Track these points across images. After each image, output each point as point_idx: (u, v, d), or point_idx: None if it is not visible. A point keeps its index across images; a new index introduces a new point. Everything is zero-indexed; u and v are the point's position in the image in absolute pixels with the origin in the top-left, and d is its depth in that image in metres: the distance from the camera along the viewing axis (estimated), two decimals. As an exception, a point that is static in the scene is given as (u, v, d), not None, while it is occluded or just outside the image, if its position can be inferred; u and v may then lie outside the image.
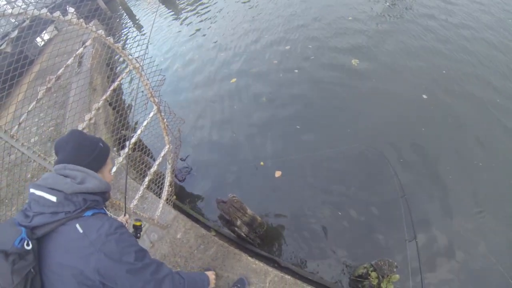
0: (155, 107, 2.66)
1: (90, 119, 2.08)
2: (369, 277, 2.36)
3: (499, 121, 3.41)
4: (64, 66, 1.95)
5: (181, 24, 8.30)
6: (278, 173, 3.46)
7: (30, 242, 0.81)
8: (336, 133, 3.69)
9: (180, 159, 4.05)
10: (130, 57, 2.48)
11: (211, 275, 1.58)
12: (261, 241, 2.90)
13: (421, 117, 3.58)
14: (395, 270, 2.29)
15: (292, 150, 3.61)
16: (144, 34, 8.79)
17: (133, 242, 0.97)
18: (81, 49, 2.07)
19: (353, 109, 3.89)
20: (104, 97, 2.35)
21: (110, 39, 2.20)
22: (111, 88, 2.40)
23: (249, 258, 2.30)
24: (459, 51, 4.45)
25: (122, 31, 9.67)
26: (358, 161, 3.29)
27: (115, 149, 4.11)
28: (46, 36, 8.62)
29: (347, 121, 3.75)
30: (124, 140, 3.81)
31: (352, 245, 2.75)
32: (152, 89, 2.64)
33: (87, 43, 2.11)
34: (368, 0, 6.34)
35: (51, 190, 0.90)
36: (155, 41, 7.82)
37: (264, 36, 6.21)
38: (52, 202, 0.88)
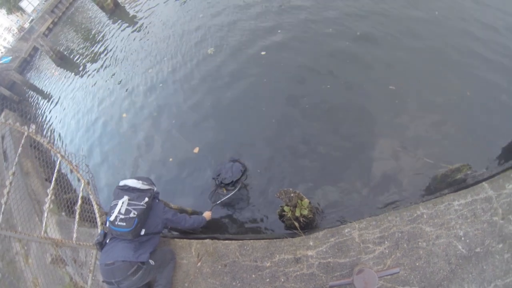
0: (58, 156, 3.44)
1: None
2: (284, 213, 2.73)
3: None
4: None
5: (85, 78, 9.18)
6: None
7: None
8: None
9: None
10: (22, 127, 3.23)
11: (208, 215, 3.16)
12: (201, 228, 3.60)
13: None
14: (293, 196, 2.57)
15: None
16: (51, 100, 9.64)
17: (168, 209, 2.67)
18: None
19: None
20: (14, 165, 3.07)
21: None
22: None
23: (175, 239, 2.96)
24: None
25: (35, 107, 10.31)
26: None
27: (63, 213, 4.84)
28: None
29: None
30: (70, 202, 4.55)
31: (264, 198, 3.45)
32: (50, 143, 3.43)
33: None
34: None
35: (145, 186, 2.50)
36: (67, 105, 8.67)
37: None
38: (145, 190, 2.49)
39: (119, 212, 2.22)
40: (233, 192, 3.45)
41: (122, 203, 2.25)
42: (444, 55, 3.86)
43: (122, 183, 2.45)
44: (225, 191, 3.64)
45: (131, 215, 2.22)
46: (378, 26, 4.61)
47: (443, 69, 3.68)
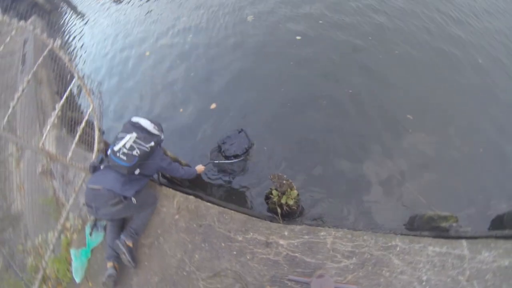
0: (75, 75, 3.50)
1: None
2: (271, 196, 2.82)
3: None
4: None
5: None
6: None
7: None
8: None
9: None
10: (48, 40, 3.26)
11: (200, 169, 3.17)
12: (190, 183, 3.77)
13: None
14: (285, 183, 2.70)
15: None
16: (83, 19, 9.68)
17: (165, 157, 2.77)
18: None
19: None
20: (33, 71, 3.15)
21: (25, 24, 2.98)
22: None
23: (162, 186, 3.08)
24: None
25: (64, 22, 10.23)
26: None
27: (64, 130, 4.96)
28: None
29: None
30: (73, 121, 4.66)
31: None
32: (71, 62, 3.48)
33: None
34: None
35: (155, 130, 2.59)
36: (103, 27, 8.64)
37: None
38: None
39: (124, 146, 2.32)
40: (233, 161, 3.52)
41: (129, 138, 2.34)
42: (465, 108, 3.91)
43: (135, 119, 2.51)
44: (223, 159, 3.69)
45: (134, 152, 2.32)
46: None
47: (469, 119, 3.73)
